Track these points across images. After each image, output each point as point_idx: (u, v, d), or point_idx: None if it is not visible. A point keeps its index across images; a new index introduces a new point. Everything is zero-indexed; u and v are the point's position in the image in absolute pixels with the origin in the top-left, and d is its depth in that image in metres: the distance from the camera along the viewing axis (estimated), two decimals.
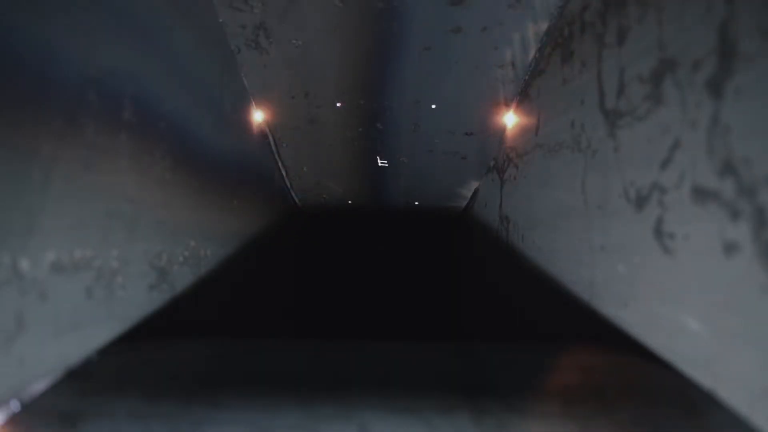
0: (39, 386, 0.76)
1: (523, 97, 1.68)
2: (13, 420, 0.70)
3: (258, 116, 1.81)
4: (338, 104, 1.81)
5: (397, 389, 0.86)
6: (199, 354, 1.02)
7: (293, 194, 2.35)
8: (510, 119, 1.79)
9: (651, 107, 0.95)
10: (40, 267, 0.75)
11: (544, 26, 1.46)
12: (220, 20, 1.44)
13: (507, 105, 1.77)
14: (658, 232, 0.92)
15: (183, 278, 1.21)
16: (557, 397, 0.81)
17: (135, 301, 1.01)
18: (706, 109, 0.80)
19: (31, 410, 0.73)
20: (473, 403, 0.80)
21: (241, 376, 0.92)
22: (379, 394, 0.83)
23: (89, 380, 0.81)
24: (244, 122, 1.74)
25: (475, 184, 2.25)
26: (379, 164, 2.10)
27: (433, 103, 1.83)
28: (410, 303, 2.95)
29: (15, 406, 0.72)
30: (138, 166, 1.01)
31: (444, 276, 2.95)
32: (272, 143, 1.97)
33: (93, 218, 0.88)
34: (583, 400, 0.80)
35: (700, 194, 0.81)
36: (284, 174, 2.18)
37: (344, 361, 1.02)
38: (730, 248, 0.75)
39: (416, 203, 2.50)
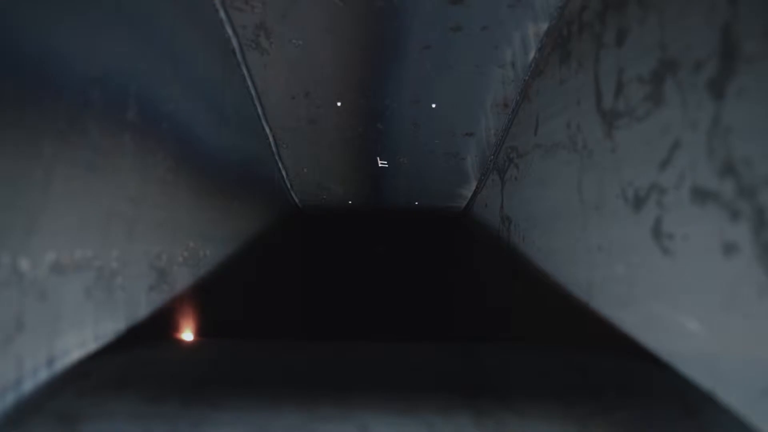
0: (38, 386, 0.76)
1: (522, 97, 1.67)
2: (12, 420, 0.70)
3: (258, 116, 1.81)
4: (338, 104, 1.81)
5: (397, 390, 0.86)
6: (199, 354, 1.02)
7: (293, 194, 2.35)
8: (510, 119, 1.79)
9: (651, 108, 0.95)
10: (40, 267, 0.75)
11: (544, 26, 1.46)
12: (221, 20, 1.44)
13: (507, 105, 1.77)
14: (657, 233, 0.92)
15: (182, 279, 1.21)
16: (557, 398, 0.81)
17: (134, 301, 1.01)
18: (707, 110, 0.80)
19: (30, 410, 0.73)
20: (473, 404, 0.80)
21: (240, 376, 0.92)
22: (379, 395, 0.83)
23: (88, 380, 0.81)
24: (245, 122, 1.74)
25: (474, 185, 2.25)
26: (380, 164, 2.10)
27: (433, 103, 1.82)
28: (411, 304, 2.95)
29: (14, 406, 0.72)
30: (140, 167, 1.01)
31: (445, 277, 2.94)
32: (272, 143, 1.97)
33: (94, 218, 0.88)
34: (583, 400, 0.80)
35: (700, 195, 0.81)
36: (284, 174, 2.18)
37: (344, 362, 1.02)
38: (729, 249, 0.75)
39: (416, 203, 2.50)
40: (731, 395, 0.74)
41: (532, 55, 1.55)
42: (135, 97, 1.00)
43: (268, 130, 1.90)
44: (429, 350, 1.08)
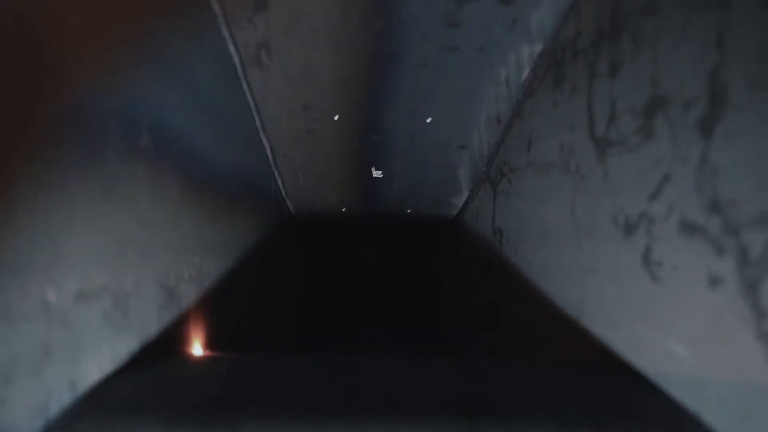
0: (63, 411, 0.79)
1: (515, 115, 1.72)
2: None
3: (257, 129, 1.84)
4: (336, 117, 1.84)
5: (399, 409, 0.90)
6: (210, 372, 1.06)
7: (288, 203, 2.39)
8: (503, 134, 1.84)
9: (642, 140, 1.00)
10: (64, 296, 0.78)
11: (538, 48, 1.50)
12: (224, 39, 1.46)
13: (500, 121, 1.82)
14: (647, 260, 0.97)
15: (189, 295, 1.24)
16: (554, 419, 0.86)
17: (146, 321, 1.05)
18: (695, 148, 0.85)
19: None
20: (473, 425, 0.85)
21: (249, 396, 0.96)
22: (383, 414, 0.88)
23: (108, 403, 0.85)
24: (244, 135, 1.77)
25: (466, 195, 2.30)
26: (374, 175, 2.14)
27: (428, 117, 1.87)
28: (402, 312, 3.00)
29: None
30: (151, 189, 1.04)
31: (435, 286, 3.00)
32: (270, 155, 2.00)
33: (110, 245, 0.91)
34: (579, 421, 0.85)
35: (688, 228, 0.87)
36: (280, 184, 2.21)
37: (348, 379, 1.06)
38: (715, 282, 0.80)
39: (408, 211, 2.55)
40: (716, 419, 0.80)
41: (525, 74, 1.60)
42: (148, 121, 1.03)
43: (266, 142, 1.93)
44: (429, 368, 1.13)
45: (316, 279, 3.04)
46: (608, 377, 0.99)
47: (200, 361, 1.13)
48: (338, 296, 3.01)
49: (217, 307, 1.41)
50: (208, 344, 1.28)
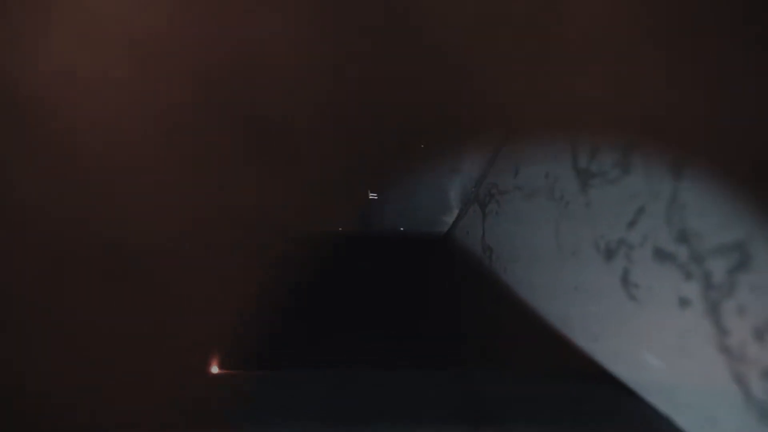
0: None
1: (503, 140, 1.85)
2: None
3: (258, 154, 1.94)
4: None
5: (401, 422, 1.00)
6: (224, 390, 1.15)
7: (286, 223, 2.49)
8: (492, 157, 1.96)
9: (620, 175, 1.13)
10: None
11: None
12: None
13: (489, 143, 1.94)
14: (625, 281, 1.10)
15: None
16: (546, 424, 0.97)
17: None
18: (666, 186, 0.98)
19: None
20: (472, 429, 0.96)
21: (254, 411, 1.05)
22: (389, 424, 0.98)
23: None
24: (246, 158, 1.87)
25: (456, 213, 2.42)
26: (369, 197, 2.26)
27: (421, 144, 1.99)
28: (396, 321, 3.09)
29: None
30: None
31: (428, 298, 3.10)
32: (269, 177, 2.10)
33: None
34: (566, 425, 0.97)
35: (660, 255, 0.99)
36: (279, 205, 2.31)
37: (353, 392, 1.16)
38: (683, 302, 0.93)
39: (401, 229, 2.67)
40: (685, 421, 0.92)
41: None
42: None
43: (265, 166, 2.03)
44: (430, 378, 1.23)
45: (316, 291, 3.13)
46: (591, 385, 1.11)
47: (211, 379, 1.22)
48: (338, 306, 3.11)
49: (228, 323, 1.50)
50: (218, 362, 1.37)
